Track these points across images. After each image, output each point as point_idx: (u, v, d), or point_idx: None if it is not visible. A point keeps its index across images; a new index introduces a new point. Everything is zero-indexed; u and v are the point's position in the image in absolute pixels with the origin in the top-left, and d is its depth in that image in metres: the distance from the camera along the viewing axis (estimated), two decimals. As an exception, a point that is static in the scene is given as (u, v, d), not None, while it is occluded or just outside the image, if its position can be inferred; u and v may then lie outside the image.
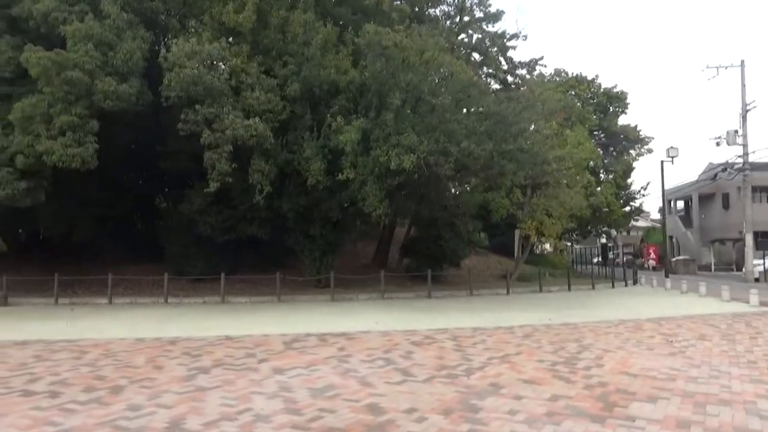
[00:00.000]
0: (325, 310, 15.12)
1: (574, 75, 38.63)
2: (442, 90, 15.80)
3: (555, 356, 8.32)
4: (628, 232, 55.78)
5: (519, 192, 20.90)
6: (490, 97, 18.10)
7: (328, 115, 16.33)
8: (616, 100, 39.19)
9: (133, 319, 13.37)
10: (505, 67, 29.37)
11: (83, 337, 10.56)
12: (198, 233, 20.65)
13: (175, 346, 9.42)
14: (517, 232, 27.42)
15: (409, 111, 15.98)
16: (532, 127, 19.54)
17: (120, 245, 23.33)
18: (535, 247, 28.25)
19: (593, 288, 23.88)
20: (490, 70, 28.17)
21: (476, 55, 27.68)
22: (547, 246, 31.16)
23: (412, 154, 14.88)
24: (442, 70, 16.99)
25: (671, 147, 28.31)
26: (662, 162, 28.63)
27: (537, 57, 29.80)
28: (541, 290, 21.77)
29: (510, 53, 28.73)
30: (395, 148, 15.18)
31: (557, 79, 35.58)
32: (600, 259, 34.57)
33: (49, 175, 15.81)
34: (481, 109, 17.47)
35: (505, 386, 6.44)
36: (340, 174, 15.42)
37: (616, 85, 51.98)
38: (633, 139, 39.14)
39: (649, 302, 17.57)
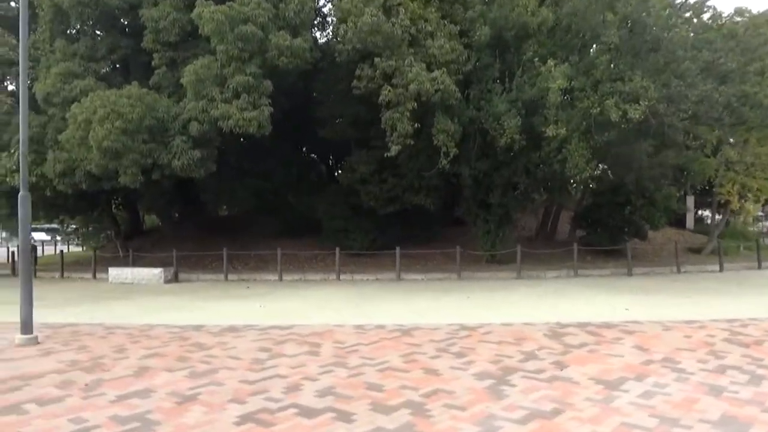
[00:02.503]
0: (527, 291, 12.92)
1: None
2: (670, 22, 12.78)
3: None
4: None
5: (729, 149, 17.39)
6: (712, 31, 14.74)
7: (523, 62, 13.85)
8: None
9: (329, 300, 11.93)
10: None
11: (293, 322, 9.10)
12: (357, 205, 19.19)
13: (412, 336, 7.61)
14: (690, 200, 23.65)
15: (626, 51, 13.11)
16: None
17: (273, 219, 22.50)
18: (733, 216, 24.23)
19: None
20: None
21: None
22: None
23: (637, 103, 12.12)
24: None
25: None
26: None
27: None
28: (760, 266, 18.23)
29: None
30: (612, 97, 12.48)
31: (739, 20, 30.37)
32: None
33: (218, 143, 14.76)
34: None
35: None
36: (544, 129, 12.96)
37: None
38: None
39: None
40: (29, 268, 7.98)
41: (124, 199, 23.72)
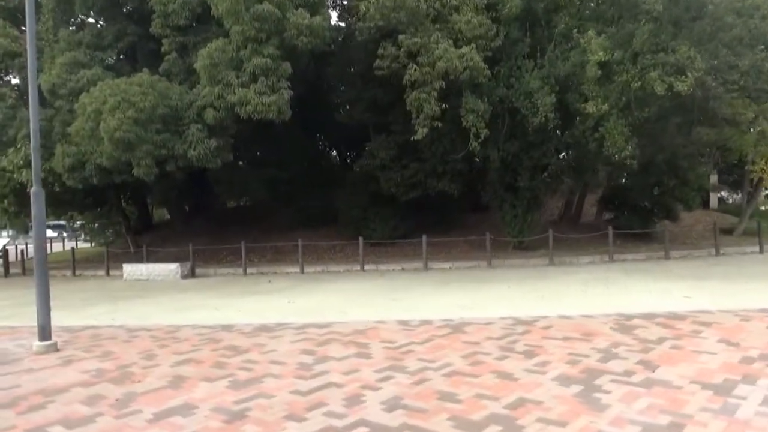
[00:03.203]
0: (567, 279, 12.22)
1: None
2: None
3: None
4: None
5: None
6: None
7: (555, 36, 13.03)
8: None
9: (360, 293, 11.26)
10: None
11: (330, 319, 8.43)
12: (376, 192, 18.48)
13: (465, 333, 6.91)
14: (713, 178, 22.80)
15: (667, 20, 12.25)
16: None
17: (286, 210, 21.81)
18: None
19: None
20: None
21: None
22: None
23: (684, 75, 11.31)
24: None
25: None
26: None
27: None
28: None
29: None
30: (654, 69, 11.67)
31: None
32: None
33: (234, 131, 14.04)
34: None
35: None
36: (583, 106, 12.16)
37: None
38: None
39: None
40: (45, 269, 7.32)
41: (132, 193, 23.07)
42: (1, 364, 6.63)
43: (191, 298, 12.07)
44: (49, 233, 56.19)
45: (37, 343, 7.16)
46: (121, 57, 16.36)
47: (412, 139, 13.43)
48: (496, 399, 4.60)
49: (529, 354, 5.95)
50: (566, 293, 10.13)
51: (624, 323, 7.26)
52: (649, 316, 7.61)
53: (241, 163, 16.94)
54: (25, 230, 63.94)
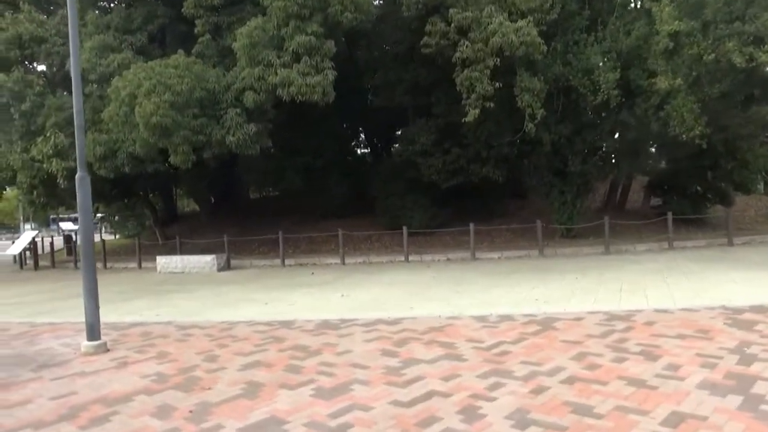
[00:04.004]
0: (635, 268, 11.37)
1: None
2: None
3: None
4: None
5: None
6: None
7: (615, 7, 12.11)
8: None
9: (417, 286, 10.54)
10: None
11: (396, 315, 7.73)
12: (414, 180, 17.72)
13: (557, 330, 6.15)
14: None
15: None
16: None
17: (314, 199, 21.10)
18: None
19: None
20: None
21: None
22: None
23: (765, 45, 10.36)
24: None
25: None
26: None
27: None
28: None
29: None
30: (730, 39, 10.73)
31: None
32: None
33: (273, 116, 13.33)
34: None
35: None
36: (653, 81, 11.26)
37: None
38: None
39: None
40: (93, 263, 6.69)
41: (160, 183, 22.51)
42: (49, 367, 6.03)
43: (234, 291, 11.45)
44: (70, 225, 56.26)
45: (85, 343, 6.55)
46: (151, 40, 15.68)
47: (463, 121, 12.60)
48: (644, 413, 3.86)
49: (649, 355, 5.18)
50: (645, 284, 9.30)
51: (736, 317, 6.46)
52: (760, 309, 6.80)
53: (272, 150, 16.20)
54: (46, 223, 64.34)
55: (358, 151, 21.87)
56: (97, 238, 33.35)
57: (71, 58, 6.92)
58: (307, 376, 5.13)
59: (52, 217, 63.98)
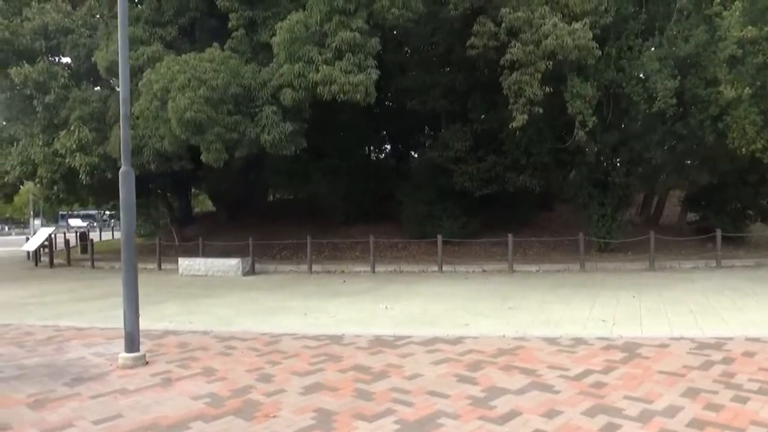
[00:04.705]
0: (689, 287, 10.69)
1: None
2: None
3: None
4: None
5: None
6: None
7: (674, 12, 11.50)
8: None
9: (463, 299, 9.90)
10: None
11: (453, 332, 7.10)
12: (443, 187, 17.11)
13: (645, 358, 5.51)
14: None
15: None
16: None
17: (337, 203, 20.49)
18: None
19: None
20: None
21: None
22: None
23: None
24: None
25: None
26: None
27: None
28: None
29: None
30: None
31: None
32: None
33: (308, 116, 12.77)
34: None
35: None
36: (719, 90, 10.61)
37: None
38: None
39: None
40: (134, 267, 6.10)
41: (180, 182, 21.99)
42: (85, 381, 5.45)
43: (265, 298, 10.85)
44: (79, 222, 55.48)
45: (123, 354, 5.96)
46: (180, 34, 15.15)
47: (511, 126, 11.97)
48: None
49: (774, 395, 4.54)
50: (713, 306, 8.64)
51: None
52: None
53: (298, 151, 15.68)
54: (54, 220, 64.11)
55: (382, 156, 21.24)
56: (101, 237, 32.67)
57: (120, 49, 6.38)
58: (382, 405, 4.52)
59: (60, 213, 63.79)
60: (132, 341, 6.00)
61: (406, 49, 16.32)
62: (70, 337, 7.59)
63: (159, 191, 21.63)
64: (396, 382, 5.15)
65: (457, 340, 6.70)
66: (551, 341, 6.56)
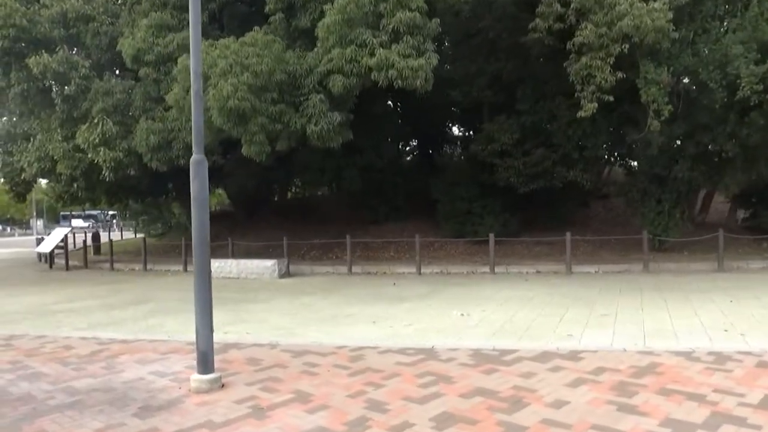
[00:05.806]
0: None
1: None
2: None
3: None
4: None
5: None
6: None
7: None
8: None
9: (540, 305, 8.96)
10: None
11: (561, 345, 6.17)
12: (484, 183, 16.19)
13: None
14: None
15: None
16: None
17: (366, 200, 19.55)
18: None
19: None
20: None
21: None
22: None
23: None
24: None
25: None
26: None
27: None
28: None
29: None
30: None
31: None
32: None
33: (353, 105, 11.83)
34: None
35: None
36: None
37: None
38: None
39: None
40: (208, 272, 5.17)
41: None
42: (156, 410, 4.50)
43: (317, 304, 9.93)
44: (81, 223, 54.44)
45: (197, 377, 5.02)
46: (210, 20, 14.20)
47: (578, 116, 11.05)
48: None
49: None
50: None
51: None
52: None
53: (339, 146, 14.76)
54: (56, 220, 63.16)
55: (414, 152, 20.26)
56: (110, 237, 31.64)
57: (191, 15, 5.44)
58: (548, 447, 3.59)
59: (62, 213, 62.86)
60: (206, 361, 5.06)
61: (445, 36, 15.34)
62: (118, 351, 6.66)
63: (174, 192, 20.68)
64: (541, 411, 4.21)
65: (574, 355, 5.77)
66: (687, 356, 5.63)
